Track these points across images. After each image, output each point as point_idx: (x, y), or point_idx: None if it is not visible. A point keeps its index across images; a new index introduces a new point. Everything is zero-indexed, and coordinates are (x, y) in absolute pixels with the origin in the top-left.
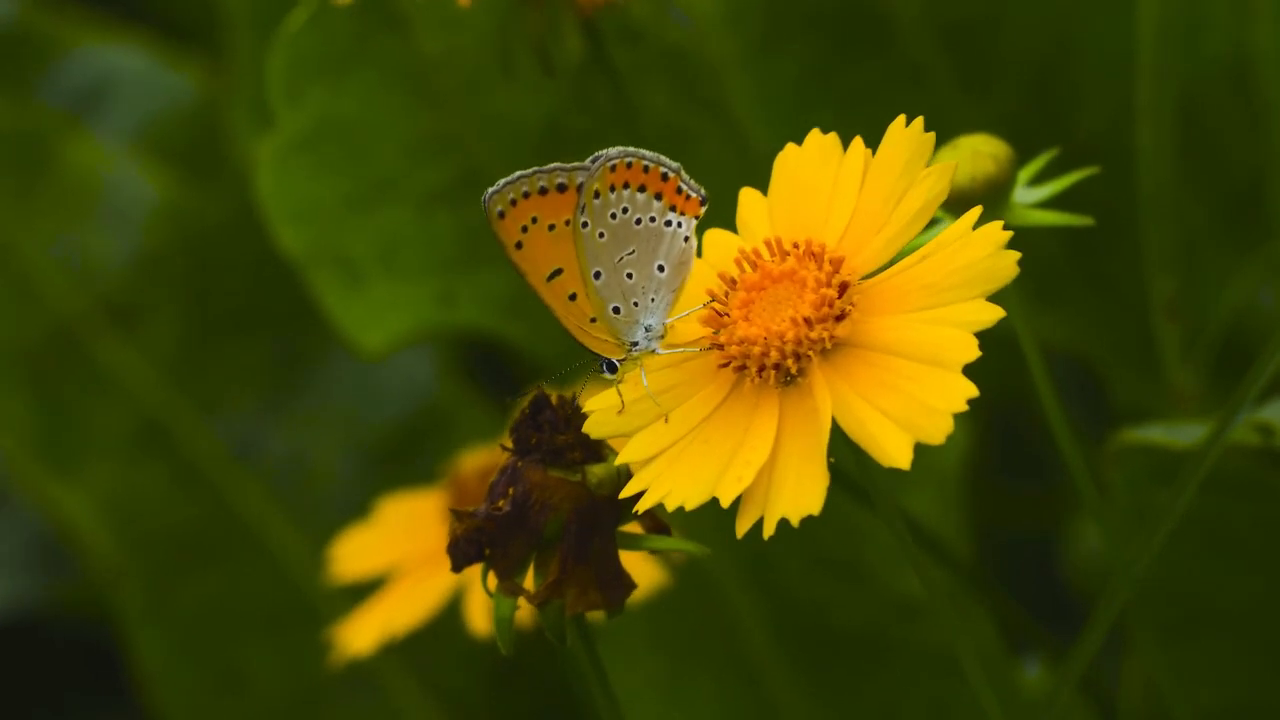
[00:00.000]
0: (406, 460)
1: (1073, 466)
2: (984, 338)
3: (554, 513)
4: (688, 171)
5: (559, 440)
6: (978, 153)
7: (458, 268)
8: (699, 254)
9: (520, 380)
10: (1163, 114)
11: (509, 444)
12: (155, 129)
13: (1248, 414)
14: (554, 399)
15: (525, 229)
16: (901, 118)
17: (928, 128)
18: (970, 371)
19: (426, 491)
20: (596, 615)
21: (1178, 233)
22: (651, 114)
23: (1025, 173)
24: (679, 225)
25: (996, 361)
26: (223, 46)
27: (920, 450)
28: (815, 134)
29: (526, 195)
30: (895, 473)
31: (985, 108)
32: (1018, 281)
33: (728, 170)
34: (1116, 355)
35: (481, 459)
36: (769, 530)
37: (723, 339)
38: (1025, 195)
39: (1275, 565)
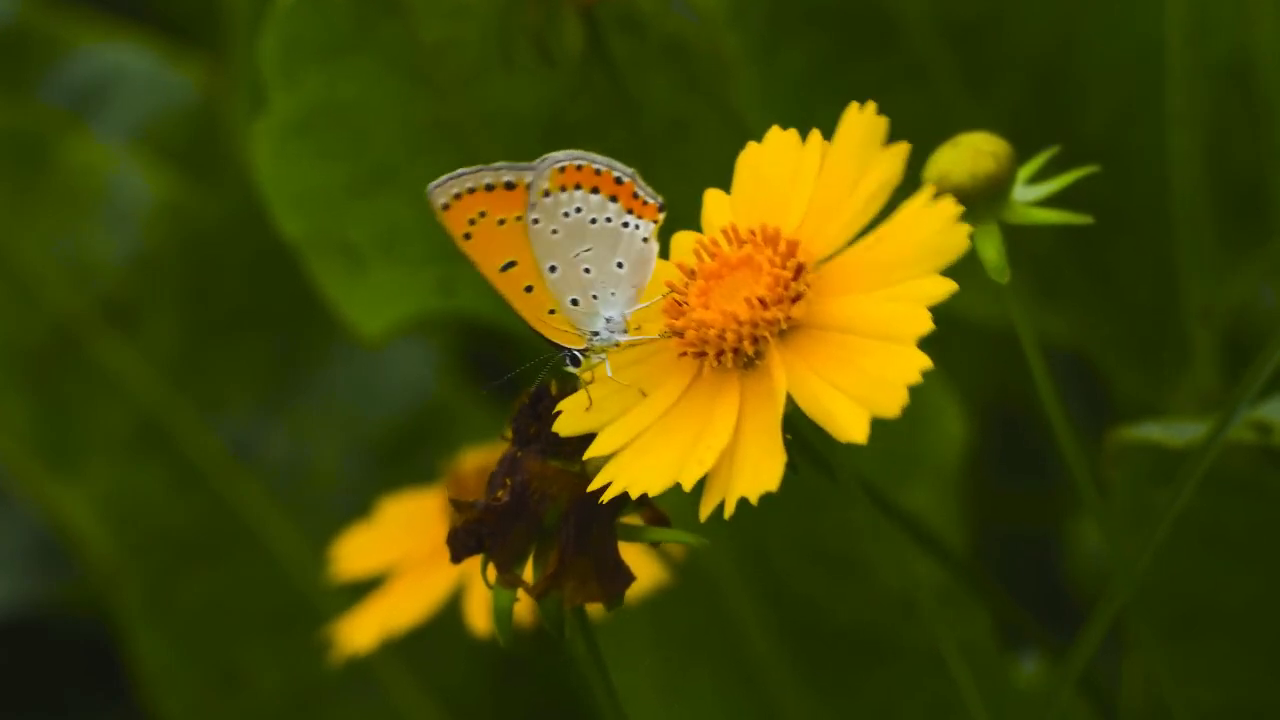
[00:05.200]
0: (407, 460)
1: (1073, 465)
2: (985, 337)
3: (553, 503)
4: (688, 163)
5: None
6: (978, 150)
7: (457, 256)
8: (665, 257)
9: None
10: (1195, 119)
11: (508, 435)
12: (156, 128)
13: (1246, 412)
14: (553, 389)
15: (473, 221)
16: (854, 104)
17: (932, 126)
18: (970, 368)
19: (427, 491)
20: (596, 609)
21: (1211, 239)
22: (651, 104)
23: (1025, 171)
24: (637, 227)
25: (997, 360)
26: (223, 45)
27: (918, 445)
28: (775, 130)
29: (472, 190)
30: (891, 466)
31: (989, 105)
32: (1018, 278)
33: (727, 162)
34: (1117, 352)
35: (482, 457)
36: (729, 510)
37: (680, 324)
38: (1025, 193)
39: (1275, 565)
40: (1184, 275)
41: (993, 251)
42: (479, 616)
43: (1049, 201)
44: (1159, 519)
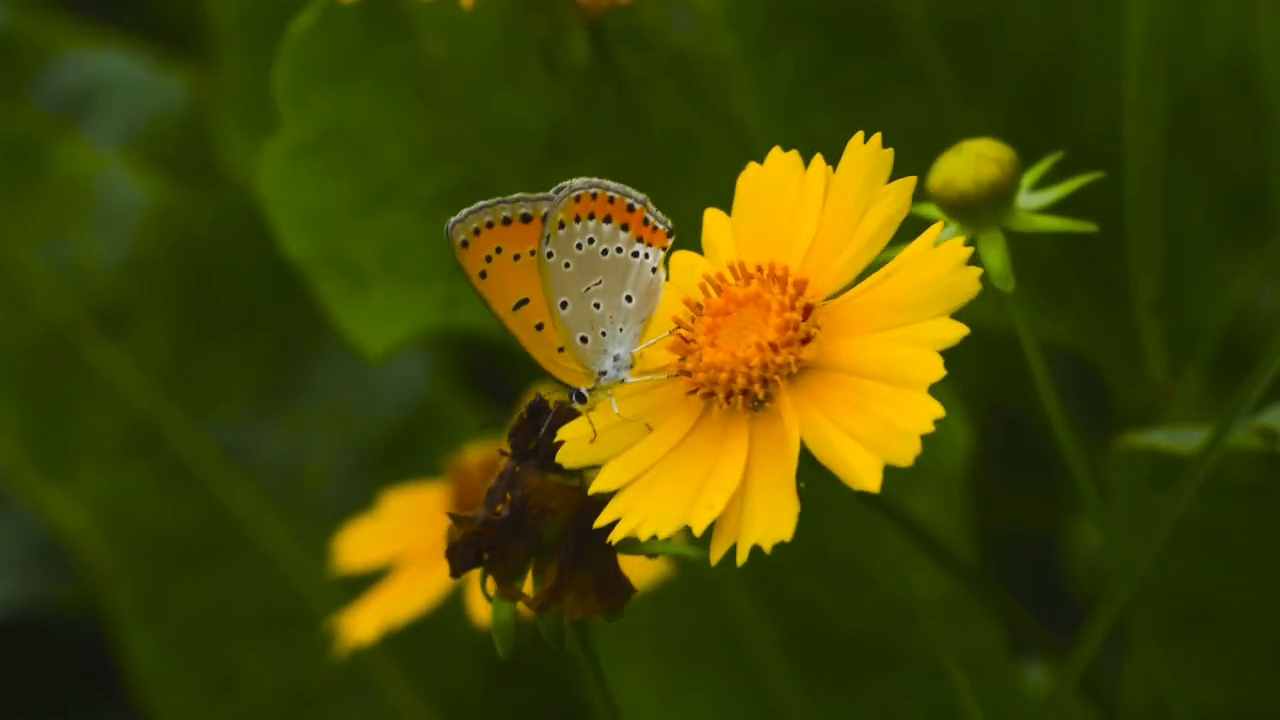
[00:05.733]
0: (401, 461)
1: (1074, 467)
2: (985, 337)
3: (552, 518)
4: (694, 177)
5: (557, 445)
6: (981, 157)
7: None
8: (667, 277)
9: (517, 382)
10: (1152, 111)
11: (507, 449)
12: (145, 134)
13: (1249, 418)
14: (551, 403)
15: (489, 258)
16: (859, 134)
17: (928, 128)
18: (971, 370)
19: (430, 484)
20: (595, 619)
21: (1163, 231)
22: (658, 120)
23: (1029, 177)
24: (646, 256)
25: (998, 361)
26: (210, 52)
27: (924, 454)
28: (776, 152)
29: (490, 225)
30: (898, 476)
31: (986, 107)
32: (1018, 280)
33: (732, 176)
34: (1117, 354)
35: (485, 453)
36: (742, 558)
37: (690, 366)
38: (1029, 200)
39: (1275, 566)
40: (1134, 268)
41: (997, 259)
42: (481, 610)
43: (1052, 207)
44: (1160, 521)
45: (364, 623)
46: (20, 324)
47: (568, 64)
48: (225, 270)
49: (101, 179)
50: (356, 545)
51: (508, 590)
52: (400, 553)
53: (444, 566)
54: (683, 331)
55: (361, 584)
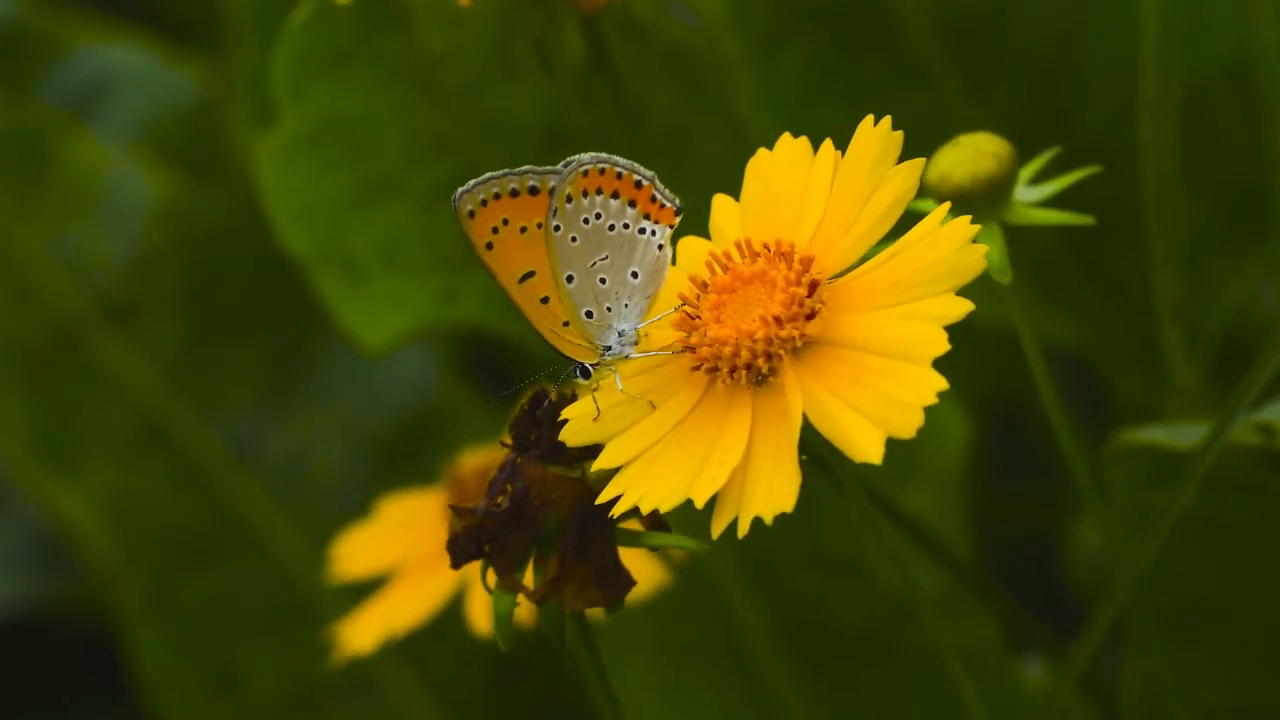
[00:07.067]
0: (407, 460)
1: (1073, 466)
2: (985, 337)
3: (553, 509)
4: (690, 171)
5: (558, 436)
6: (979, 151)
7: (460, 265)
8: (674, 262)
9: (521, 379)
10: (1167, 109)
11: (508, 440)
12: (155, 128)
13: (1247, 414)
14: (553, 395)
15: (496, 230)
16: (869, 117)
17: (932, 125)
18: (971, 370)
19: (427, 491)
20: (596, 612)
21: (1181, 230)
22: (654, 113)
23: (1027, 171)
24: (653, 233)
25: (997, 360)
26: (223, 46)
27: (920, 448)
28: (786, 138)
29: (497, 196)
30: (894, 470)
31: (990, 105)
32: (1019, 280)
33: (730, 169)
34: (1119, 354)
35: (482, 459)
36: (743, 530)
37: (694, 341)
38: (1027, 194)
39: (1275, 565)
40: (1154, 269)
41: (994, 252)
42: (480, 618)
43: (1050, 202)
44: (1159, 519)
45: (363, 633)
46: (28, 319)
47: (563, 59)
48: (233, 265)
49: (110, 174)
50: (354, 553)
51: (508, 582)
52: (398, 560)
53: (443, 575)
54: (688, 308)
55: (368, 584)
